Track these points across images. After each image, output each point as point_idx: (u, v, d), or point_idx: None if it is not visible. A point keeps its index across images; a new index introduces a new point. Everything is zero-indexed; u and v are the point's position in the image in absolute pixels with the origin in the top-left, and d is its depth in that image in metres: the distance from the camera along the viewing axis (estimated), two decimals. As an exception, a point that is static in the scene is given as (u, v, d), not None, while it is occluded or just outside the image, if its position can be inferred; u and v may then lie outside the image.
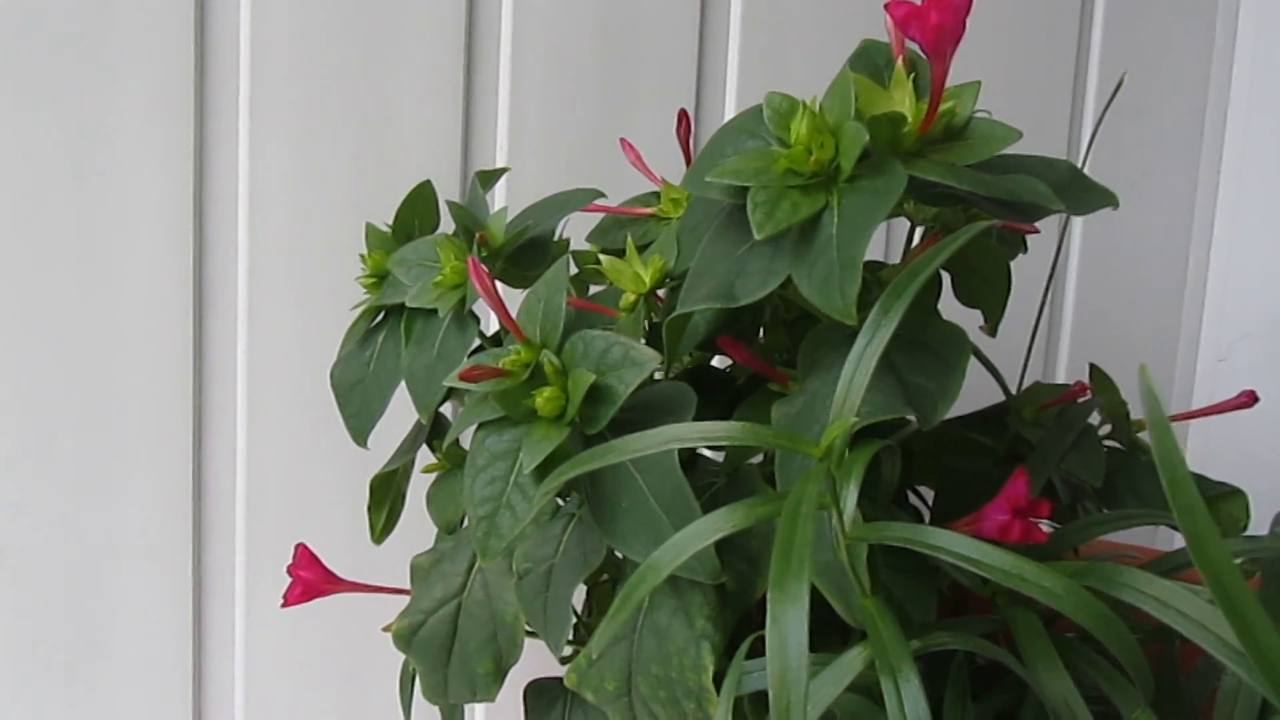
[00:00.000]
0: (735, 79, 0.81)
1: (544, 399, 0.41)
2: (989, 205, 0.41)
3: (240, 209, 0.72)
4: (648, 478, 0.41)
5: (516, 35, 0.76)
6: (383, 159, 0.74)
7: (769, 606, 0.29)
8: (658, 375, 0.52)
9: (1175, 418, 0.51)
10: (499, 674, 0.52)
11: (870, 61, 0.44)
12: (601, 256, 0.49)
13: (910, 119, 0.40)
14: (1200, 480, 0.49)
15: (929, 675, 0.43)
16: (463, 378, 0.41)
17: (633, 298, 0.49)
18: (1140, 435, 0.52)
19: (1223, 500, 0.49)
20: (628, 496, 0.41)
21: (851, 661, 0.36)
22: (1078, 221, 0.92)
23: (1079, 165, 0.71)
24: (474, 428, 0.44)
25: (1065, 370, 0.93)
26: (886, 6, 0.37)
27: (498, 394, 0.42)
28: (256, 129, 0.72)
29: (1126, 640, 0.31)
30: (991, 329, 0.50)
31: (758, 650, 0.42)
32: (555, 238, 0.58)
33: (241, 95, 0.71)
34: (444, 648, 0.53)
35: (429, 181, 0.57)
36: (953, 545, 0.32)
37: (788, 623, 0.29)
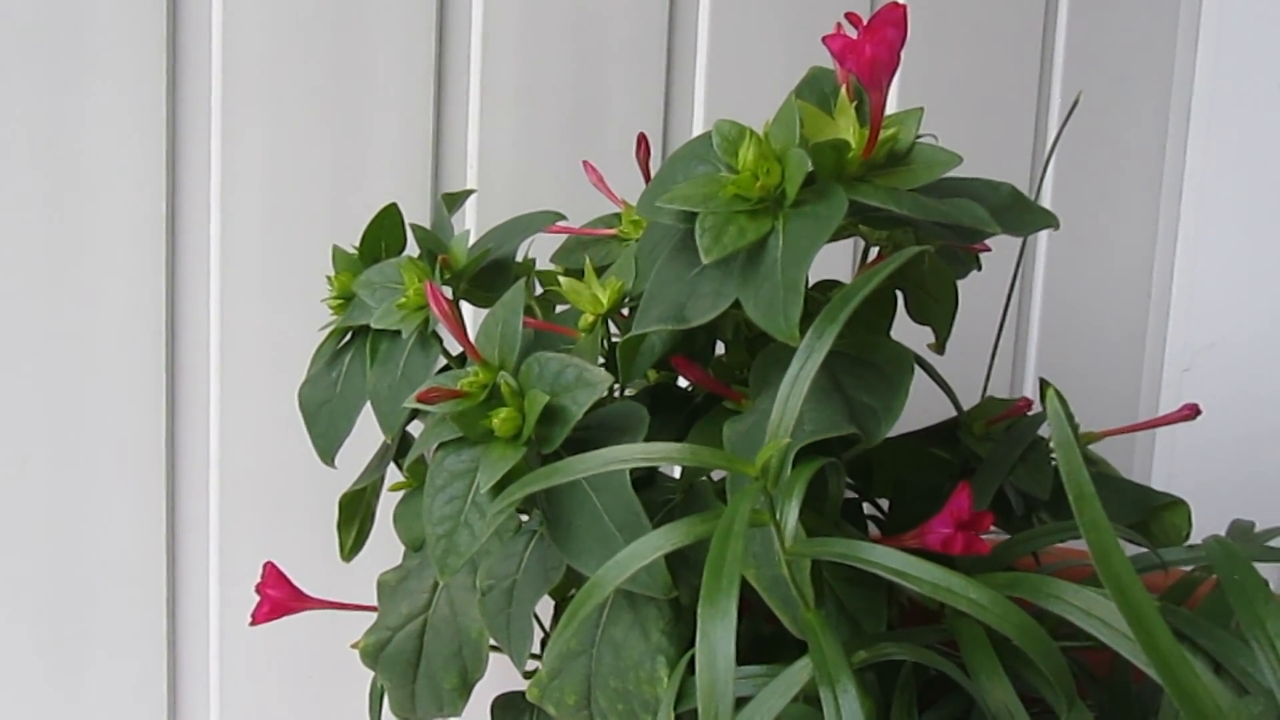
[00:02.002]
0: (702, 102, 0.82)
1: (500, 420, 0.42)
2: (931, 228, 0.42)
3: (212, 230, 0.73)
4: (601, 496, 0.42)
5: (486, 58, 0.77)
6: (353, 182, 0.75)
7: (699, 621, 0.31)
8: (628, 392, 0.53)
9: (1119, 430, 0.53)
10: (465, 689, 0.53)
11: (818, 89, 0.45)
12: (561, 278, 0.50)
13: (854, 145, 0.42)
14: (1145, 491, 0.50)
15: (881, 685, 0.44)
16: (421, 399, 0.42)
17: (591, 318, 0.50)
18: (1090, 447, 0.53)
19: (1165, 510, 0.50)
20: (582, 514, 0.42)
21: (798, 673, 0.37)
22: (1043, 236, 0.93)
23: (1039, 180, 0.73)
24: (434, 447, 0.45)
25: (1032, 383, 0.95)
26: (824, 39, 0.38)
27: (455, 415, 0.43)
28: (228, 151, 0.73)
29: (1048, 647, 0.32)
30: (939, 346, 0.51)
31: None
32: (520, 259, 0.59)
33: (213, 119, 0.72)
34: (410, 664, 0.54)
35: (395, 205, 0.58)
36: (886, 560, 0.33)
37: (715, 636, 0.30)
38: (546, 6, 0.78)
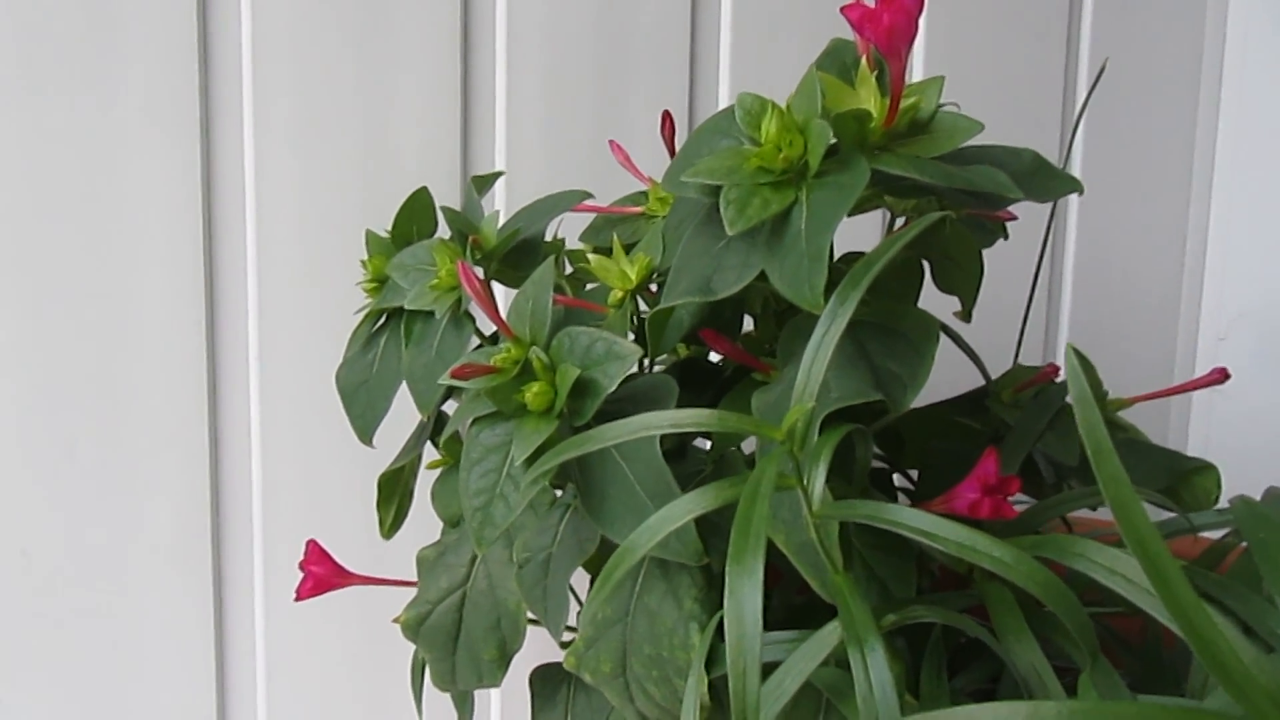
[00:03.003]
0: (727, 78, 0.83)
1: (533, 394, 0.43)
2: (954, 195, 0.43)
3: (248, 218, 0.75)
4: (633, 466, 0.42)
5: (512, 41, 0.78)
6: (384, 168, 0.76)
7: (727, 580, 0.31)
8: (658, 367, 0.54)
9: (1148, 396, 0.53)
10: (504, 660, 0.54)
11: (839, 60, 0.45)
12: (590, 255, 0.51)
13: (875, 115, 0.42)
14: (1174, 456, 0.50)
15: (911, 650, 0.45)
16: (454, 375, 0.43)
17: (620, 294, 0.50)
18: (1121, 414, 0.54)
19: (1195, 474, 0.50)
20: (615, 485, 0.43)
21: (827, 636, 0.38)
22: (1074, 204, 0.93)
23: (1068, 146, 0.73)
24: (469, 423, 0.46)
25: (1065, 352, 0.94)
26: (842, 10, 0.39)
27: (489, 390, 0.44)
28: (261, 141, 0.74)
29: (1071, 603, 0.33)
30: (965, 314, 0.52)
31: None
32: (549, 238, 0.60)
33: (245, 108, 0.74)
34: (450, 636, 0.55)
35: (425, 188, 0.59)
36: (911, 520, 0.34)
37: (743, 594, 0.31)
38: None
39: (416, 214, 0.59)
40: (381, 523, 0.63)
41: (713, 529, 0.45)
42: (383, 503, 0.62)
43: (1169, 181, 0.96)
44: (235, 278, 0.75)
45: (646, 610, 0.46)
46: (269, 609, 0.78)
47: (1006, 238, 0.66)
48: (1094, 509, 0.51)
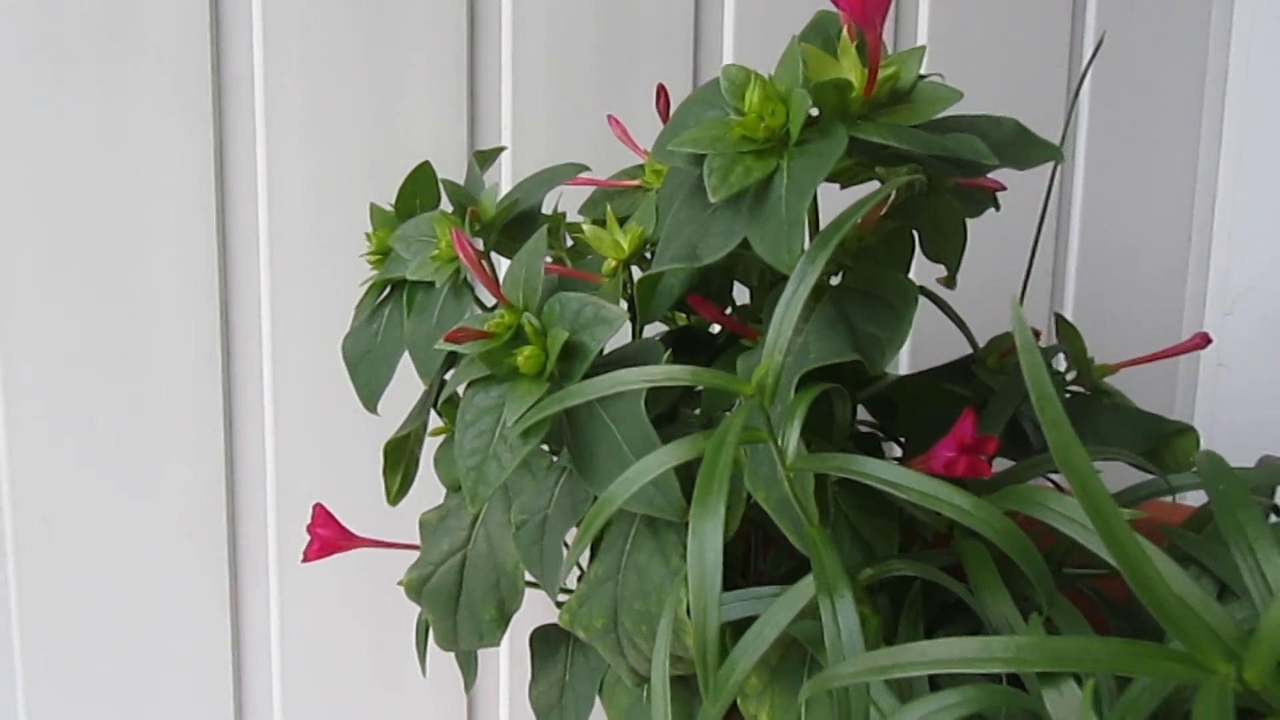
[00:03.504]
0: (731, 55, 0.84)
1: (524, 357, 0.45)
2: (933, 163, 0.44)
3: (259, 193, 0.77)
4: (620, 426, 0.44)
5: (517, 17, 0.79)
6: (392, 144, 0.78)
7: (690, 521, 0.33)
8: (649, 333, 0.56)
9: (1131, 362, 0.54)
10: (503, 620, 0.56)
11: (823, 32, 0.46)
12: (585, 226, 0.53)
13: (856, 84, 0.43)
14: (1155, 420, 0.51)
15: (894, 607, 0.46)
16: (448, 339, 0.45)
17: (613, 264, 0.52)
18: (1104, 380, 0.55)
19: (1175, 437, 0.51)
20: (603, 444, 0.45)
21: (804, 589, 0.39)
22: (1080, 174, 0.93)
23: (1067, 117, 0.73)
24: (465, 386, 0.47)
25: (1071, 310, 0.95)
26: (820, -19, 0.40)
27: (483, 354, 0.45)
28: (272, 119, 0.76)
29: (1026, 548, 0.34)
30: (949, 280, 0.53)
31: (730, 584, 0.45)
32: (550, 210, 0.61)
33: (257, 88, 0.76)
34: (452, 597, 0.56)
35: (428, 162, 0.60)
36: (878, 471, 0.35)
37: (704, 534, 0.32)
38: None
39: (419, 187, 0.60)
40: (388, 489, 0.64)
41: (700, 489, 0.46)
42: (389, 469, 0.64)
43: (1175, 153, 0.96)
44: (248, 251, 0.77)
45: (636, 567, 0.47)
46: (282, 572, 0.81)
47: (998, 208, 0.67)
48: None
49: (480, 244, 0.57)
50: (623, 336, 0.49)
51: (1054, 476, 0.56)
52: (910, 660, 0.29)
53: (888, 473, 0.35)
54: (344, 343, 0.60)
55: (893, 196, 0.55)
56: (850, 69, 0.44)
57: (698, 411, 0.52)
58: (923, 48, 0.45)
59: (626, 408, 0.43)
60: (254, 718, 0.82)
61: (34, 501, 0.76)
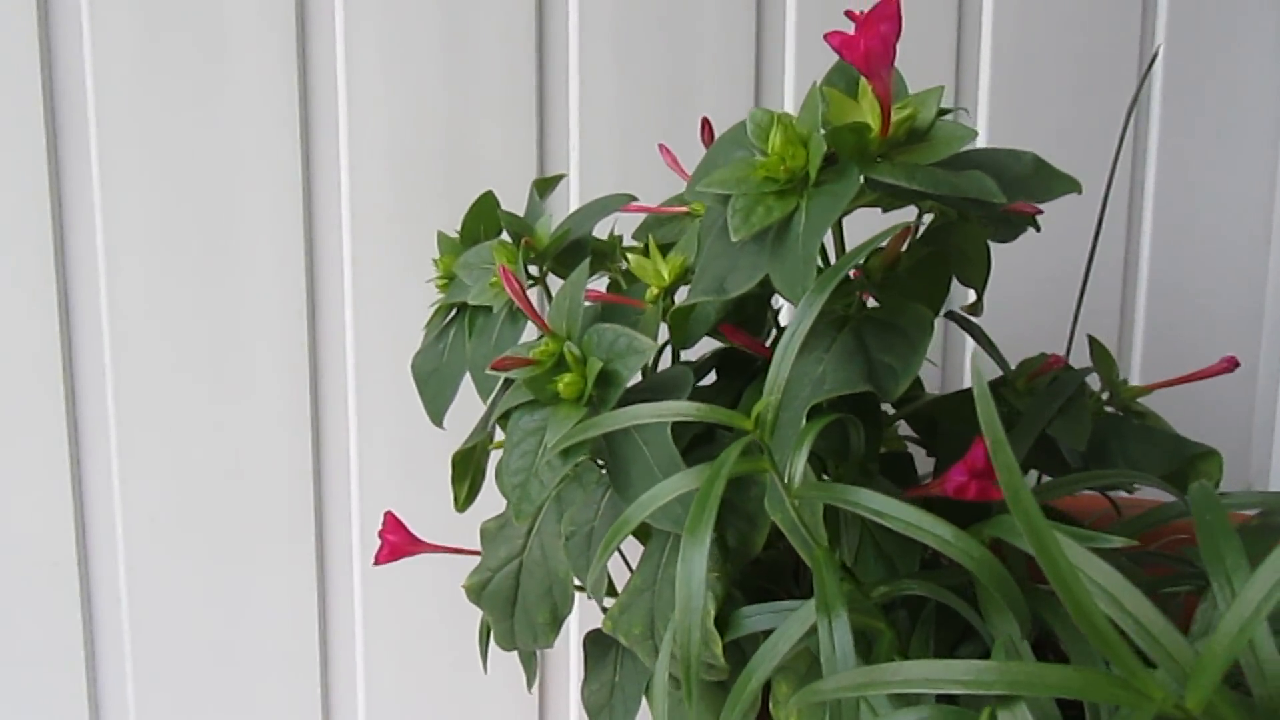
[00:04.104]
0: (792, 80, 0.86)
1: (565, 384, 0.48)
2: (946, 199, 0.46)
3: (344, 221, 0.82)
4: (650, 449, 0.47)
5: (584, 48, 0.83)
6: (467, 171, 0.83)
7: (681, 548, 0.36)
8: (690, 356, 0.59)
9: (1161, 384, 0.55)
10: (556, 623, 0.59)
11: (846, 74, 0.49)
12: (630, 255, 0.56)
13: (873, 126, 0.45)
14: (1181, 442, 0.52)
15: (916, 622, 0.49)
16: (494, 368, 0.48)
17: (656, 291, 0.55)
18: (1140, 400, 0.56)
19: (1199, 459, 0.52)
20: (636, 465, 0.48)
21: (811, 608, 0.42)
22: (1150, 184, 0.93)
23: (1121, 134, 0.73)
24: (514, 408, 0.51)
25: (1141, 342, 0.94)
26: (825, 36, 0.42)
27: (527, 380, 0.49)
28: (355, 157, 0.81)
29: (1001, 578, 0.36)
30: (973, 307, 0.54)
31: (752, 599, 0.48)
32: (605, 237, 0.65)
33: (341, 124, 0.81)
34: (509, 600, 0.60)
35: (491, 192, 0.64)
36: (869, 502, 0.37)
37: (691, 561, 0.35)
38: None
39: (483, 216, 0.64)
40: (456, 498, 0.69)
41: (730, 507, 0.49)
42: (457, 479, 0.68)
43: (1253, 160, 0.95)
44: (333, 271, 0.83)
45: (670, 580, 0.50)
46: (365, 574, 0.86)
47: (1038, 229, 0.68)
48: (1118, 489, 0.53)
49: (535, 271, 0.61)
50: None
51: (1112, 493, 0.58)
52: (883, 679, 0.31)
53: (877, 503, 0.37)
54: (414, 360, 0.65)
55: (925, 224, 0.57)
56: (869, 111, 0.46)
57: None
58: (941, 88, 0.47)
59: (655, 432, 0.46)
60: (339, 702, 0.88)
61: (142, 500, 0.82)
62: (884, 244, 0.49)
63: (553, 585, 0.59)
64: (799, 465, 0.39)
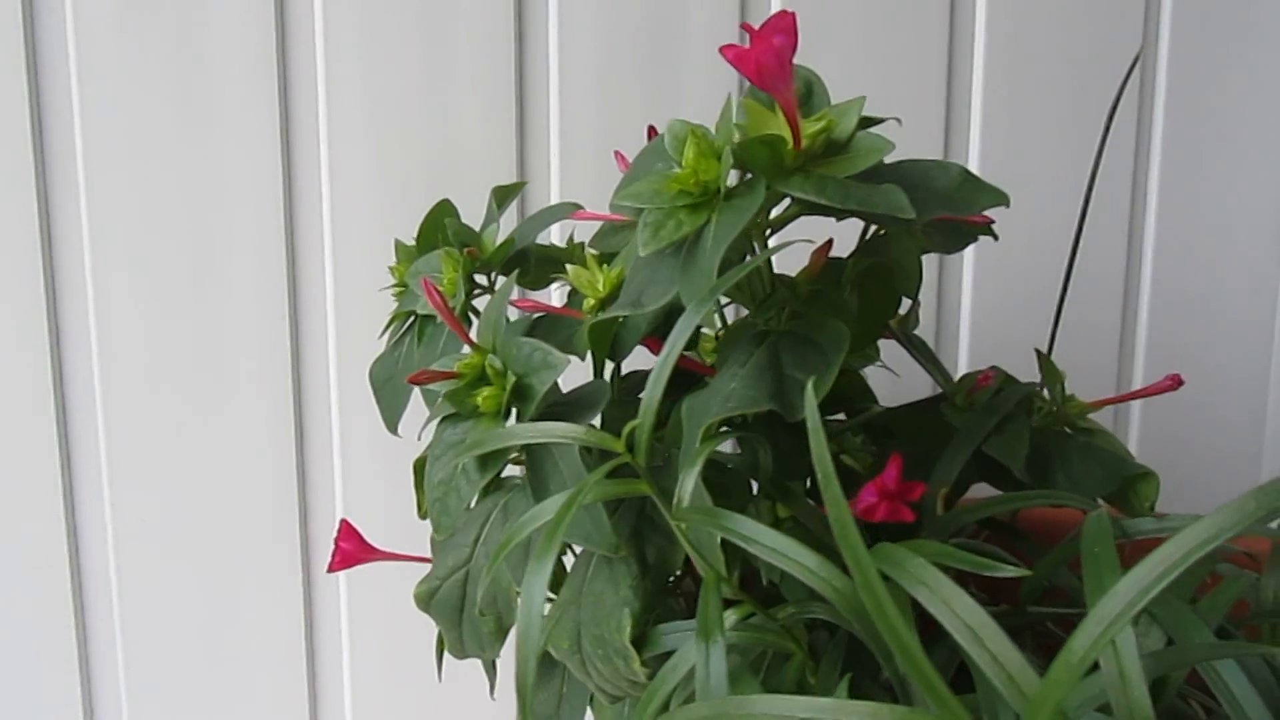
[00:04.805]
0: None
1: (483, 397, 0.48)
2: (861, 214, 0.44)
3: (325, 226, 0.83)
4: (564, 464, 0.47)
5: (563, 48, 0.82)
6: (447, 177, 0.83)
7: (525, 575, 0.35)
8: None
9: (1101, 402, 0.53)
10: (501, 632, 0.59)
11: (771, 84, 0.48)
12: (569, 266, 0.55)
13: (789, 139, 0.45)
14: (1121, 461, 0.50)
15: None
16: (411, 381, 0.48)
17: (593, 303, 0.54)
18: (1091, 417, 0.54)
19: (1138, 480, 0.50)
20: (554, 479, 0.48)
21: (728, 618, 0.41)
22: (1154, 189, 0.90)
23: (1104, 135, 0.71)
24: (438, 421, 0.51)
25: (1144, 351, 0.91)
26: (720, 50, 0.41)
27: (447, 394, 0.49)
28: (335, 162, 0.82)
29: (862, 614, 0.35)
30: (905, 319, 0.53)
31: (672, 615, 0.48)
32: (566, 243, 0.64)
33: (321, 132, 0.81)
34: (456, 609, 0.60)
35: (447, 200, 0.64)
36: (738, 527, 0.37)
37: (532, 589, 0.35)
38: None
39: (439, 224, 0.64)
40: (418, 505, 0.69)
41: (650, 524, 0.49)
42: (418, 486, 0.68)
43: (1260, 164, 0.92)
44: (315, 277, 0.84)
45: (593, 594, 0.50)
46: (351, 577, 0.87)
47: (996, 238, 0.67)
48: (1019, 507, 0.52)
49: (485, 280, 0.61)
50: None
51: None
52: (731, 712, 0.31)
53: (747, 529, 0.36)
54: (372, 367, 0.65)
55: (871, 234, 0.56)
56: (787, 123, 0.45)
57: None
58: (862, 99, 0.46)
59: (568, 450, 0.46)
60: (327, 700, 0.89)
61: (134, 503, 0.84)
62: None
63: (497, 595, 0.59)
64: (688, 486, 0.39)
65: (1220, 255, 0.91)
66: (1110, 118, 0.69)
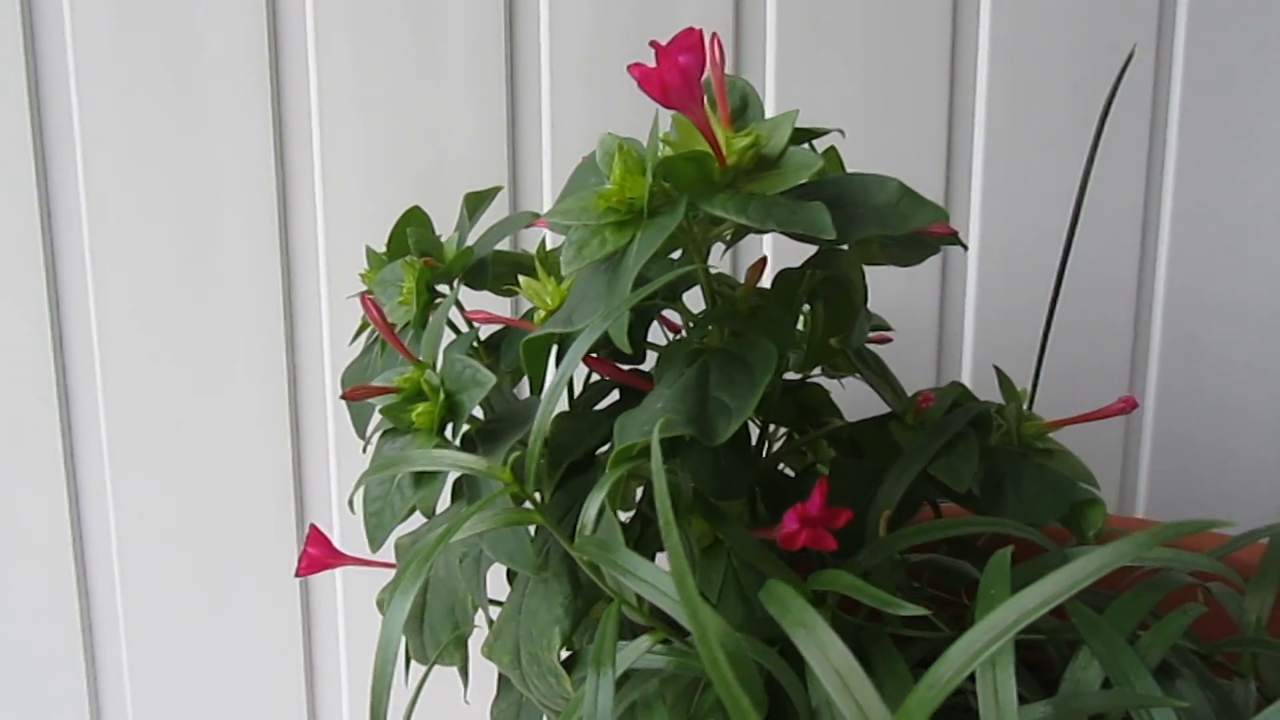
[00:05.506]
0: (773, 84, 0.83)
1: (418, 413, 0.48)
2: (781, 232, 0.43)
3: (319, 224, 0.83)
4: (483, 485, 0.47)
5: (555, 48, 0.82)
6: (437, 173, 0.83)
7: (390, 601, 0.35)
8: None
9: (1060, 423, 0.51)
10: (459, 641, 0.59)
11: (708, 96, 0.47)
12: (521, 278, 0.55)
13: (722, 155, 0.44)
14: (1071, 486, 0.49)
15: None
16: (345, 397, 0.49)
17: (544, 315, 0.54)
18: (1049, 435, 0.52)
19: (1086, 506, 0.48)
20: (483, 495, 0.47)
21: (638, 646, 0.41)
22: (1169, 190, 0.87)
23: (1094, 143, 0.69)
24: (379, 435, 0.51)
25: (1158, 366, 0.88)
26: (629, 68, 0.40)
27: (384, 409, 0.49)
28: (328, 155, 0.82)
29: (714, 661, 0.34)
30: (844, 337, 0.52)
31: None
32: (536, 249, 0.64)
33: (314, 130, 0.82)
34: (417, 617, 0.61)
35: (418, 207, 0.64)
36: (621, 560, 0.36)
37: (390, 623, 0.34)
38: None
39: (411, 231, 0.64)
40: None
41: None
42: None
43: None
44: (309, 275, 0.84)
45: (530, 611, 0.50)
46: (347, 573, 0.88)
47: (966, 248, 0.65)
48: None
49: (447, 288, 0.61)
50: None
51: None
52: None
53: (629, 562, 0.36)
54: (343, 374, 0.65)
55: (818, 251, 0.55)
56: (722, 138, 0.44)
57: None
58: (794, 112, 0.44)
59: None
60: (324, 690, 0.90)
61: (131, 499, 0.86)
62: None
63: (454, 604, 0.59)
64: (591, 513, 0.38)
65: (1237, 253, 0.87)
66: (1104, 115, 0.67)
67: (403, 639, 0.62)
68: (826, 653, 0.30)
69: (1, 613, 0.87)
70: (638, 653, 0.40)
